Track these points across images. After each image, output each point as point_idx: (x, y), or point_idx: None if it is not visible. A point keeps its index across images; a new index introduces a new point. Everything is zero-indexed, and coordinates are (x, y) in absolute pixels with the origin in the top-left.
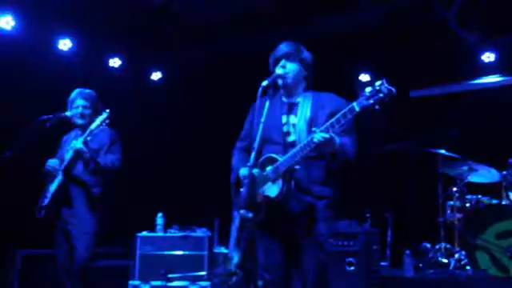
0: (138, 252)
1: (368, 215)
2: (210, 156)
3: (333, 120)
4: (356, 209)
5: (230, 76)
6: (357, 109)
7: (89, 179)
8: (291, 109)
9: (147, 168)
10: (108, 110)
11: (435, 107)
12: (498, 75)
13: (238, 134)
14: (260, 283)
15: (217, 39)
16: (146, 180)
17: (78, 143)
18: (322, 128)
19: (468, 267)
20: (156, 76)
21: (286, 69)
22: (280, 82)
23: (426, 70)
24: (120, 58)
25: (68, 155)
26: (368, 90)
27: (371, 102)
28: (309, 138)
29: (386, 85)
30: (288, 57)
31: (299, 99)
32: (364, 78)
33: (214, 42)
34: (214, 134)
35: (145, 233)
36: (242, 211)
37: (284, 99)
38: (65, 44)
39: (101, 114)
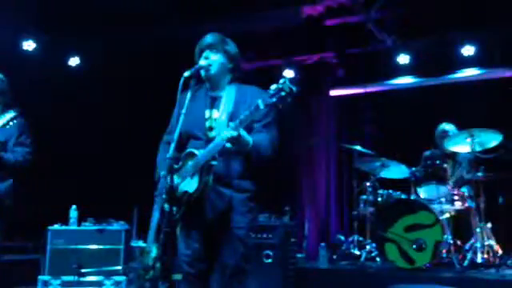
0: (48, 246)
1: (287, 208)
2: (129, 146)
3: (241, 117)
4: (275, 202)
5: (155, 66)
6: (261, 106)
7: None
8: (214, 103)
9: (62, 159)
10: (18, 109)
11: (353, 106)
12: (411, 76)
13: (157, 124)
14: (178, 276)
15: (144, 26)
16: (61, 171)
17: None
18: (232, 125)
19: (378, 259)
20: (74, 62)
21: (209, 60)
22: (203, 73)
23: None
24: (34, 41)
25: None
26: (272, 87)
27: (274, 100)
28: (218, 138)
29: (287, 83)
30: (211, 48)
31: (223, 93)
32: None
33: (141, 28)
34: (134, 124)
35: (56, 226)
36: (164, 205)
37: (208, 92)
38: None
39: (9, 107)
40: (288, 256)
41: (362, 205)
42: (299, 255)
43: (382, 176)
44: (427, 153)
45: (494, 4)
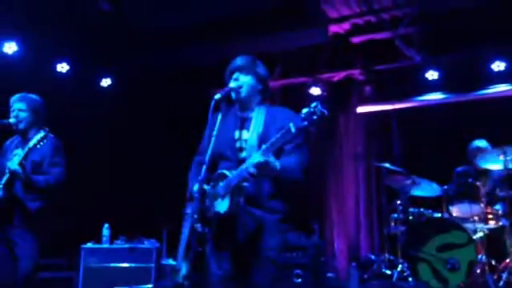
0: (81, 264)
1: (316, 227)
2: (160, 167)
3: (272, 140)
4: (305, 221)
5: (187, 86)
6: (293, 130)
7: (26, 196)
8: (244, 124)
9: (95, 178)
10: (47, 129)
11: (382, 123)
12: (440, 92)
13: (190, 146)
14: None
15: (172, 47)
16: (95, 190)
17: (13, 164)
18: (260, 152)
19: (410, 279)
20: (106, 82)
21: (239, 82)
22: (233, 95)
23: (373, 86)
24: (68, 63)
25: (7, 170)
26: (304, 111)
27: (306, 123)
28: (248, 162)
29: (319, 107)
30: (241, 70)
31: (253, 114)
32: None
33: (171, 49)
34: (165, 145)
35: (89, 244)
36: (196, 225)
37: (238, 113)
38: (10, 47)
39: (41, 128)
40: (318, 276)
41: (392, 223)
42: (329, 274)
43: (413, 194)
44: (459, 170)
45: None
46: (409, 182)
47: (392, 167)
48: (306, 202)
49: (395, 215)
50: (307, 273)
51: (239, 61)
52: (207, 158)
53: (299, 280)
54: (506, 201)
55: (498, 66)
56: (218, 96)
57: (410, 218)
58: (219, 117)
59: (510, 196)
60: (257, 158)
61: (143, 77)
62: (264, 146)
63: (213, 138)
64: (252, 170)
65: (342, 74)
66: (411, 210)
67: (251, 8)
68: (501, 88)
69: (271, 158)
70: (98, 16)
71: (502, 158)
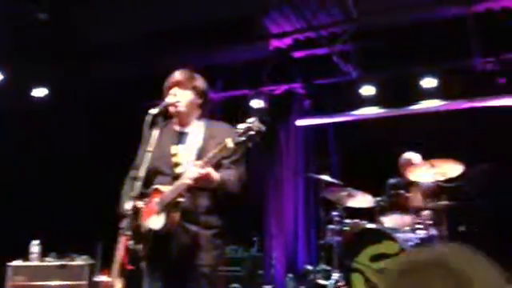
0: (8, 283)
1: (255, 239)
2: (94, 181)
3: (209, 155)
4: (243, 234)
5: (124, 98)
6: (230, 145)
7: None
8: (181, 138)
9: (24, 192)
10: None
11: (320, 136)
12: (376, 107)
13: (125, 160)
14: None
15: (110, 59)
16: (22, 205)
17: None
18: (198, 164)
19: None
20: (41, 92)
21: (178, 97)
22: (172, 110)
23: (313, 100)
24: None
25: None
26: (240, 126)
27: (243, 138)
28: (184, 176)
29: (256, 123)
30: (180, 84)
31: (190, 128)
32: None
33: (109, 60)
34: (100, 158)
35: (17, 262)
36: (129, 242)
37: (175, 128)
38: None
39: None
40: None
41: (329, 234)
42: (266, 287)
43: (349, 205)
44: (391, 182)
45: (450, 41)
46: (345, 193)
47: (329, 179)
48: (246, 215)
49: (331, 226)
50: (244, 285)
51: (177, 75)
52: (141, 174)
53: None
54: (434, 211)
55: (429, 82)
56: (154, 110)
57: (345, 228)
58: (155, 132)
59: (437, 207)
60: (195, 170)
61: (79, 88)
62: (201, 161)
63: (148, 154)
64: (190, 182)
65: (282, 88)
66: (347, 221)
67: (193, 21)
68: (431, 103)
69: (209, 170)
70: (35, 25)
71: (431, 170)
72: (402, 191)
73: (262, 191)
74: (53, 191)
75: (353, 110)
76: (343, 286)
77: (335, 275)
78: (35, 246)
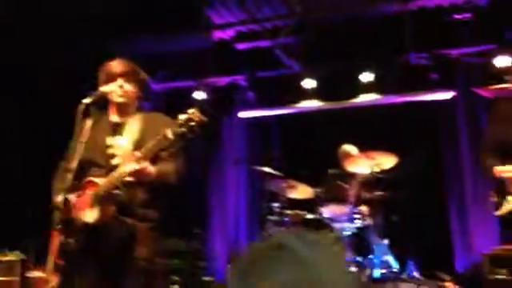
0: None
1: (196, 231)
2: (25, 172)
3: (147, 146)
4: (185, 226)
5: (55, 85)
6: (169, 136)
7: None
8: (117, 130)
9: None
10: None
11: (263, 128)
12: (317, 100)
13: (57, 151)
14: None
15: (52, 41)
16: None
17: None
18: (135, 157)
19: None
20: None
21: (123, 89)
22: (112, 100)
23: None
24: None
25: None
26: (181, 117)
27: (183, 129)
28: (121, 169)
29: (197, 113)
30: (124, 75)
31: (128, 120)
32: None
33: (42, 45)
34: (30, 148)
35: None
36: (61, 236)
37: (112, 119)
38: None
39: None
40: (195, 280)
41: (270, 225)
42: (207, 278)
43: (290, 196)
44: (330, 173)
45: (387, 36)
46: (286, 185)
47: (271, 171)
48: (188, 208)
49: (273, 217)
50: (184, 278)
51: (122, 66)
52: (74, 165)
53: (175, 286)
54: (370, 202)
55: (366, 76)
56: (87, 99)
57: (287, 219)
58: (89, 122)
59: (374, 197)
60: (131, 165)
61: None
62: (139, 153)
63: (81, 144)
64: (126, 177)
65: (226, 80)
66: (288, 212)
67: (136, 8)
68: (368, 97)
69: (146, 165)
70: None
71: (368, 161)
72: (340, 182)
73: (205, 183)
74: None
75: (295, 102)
76: None
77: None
78: None
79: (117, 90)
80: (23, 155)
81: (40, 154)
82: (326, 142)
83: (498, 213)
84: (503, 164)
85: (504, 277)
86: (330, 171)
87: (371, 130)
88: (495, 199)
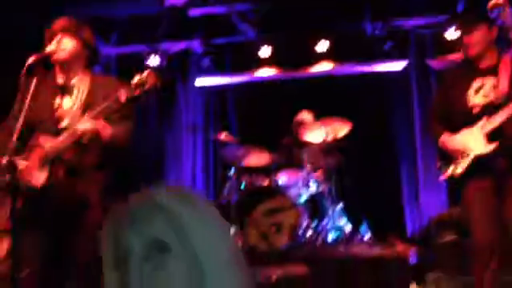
0: None
1: None
2: None
3: (98, 108)
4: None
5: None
6: (122, 99)
7: None
8: (65, 91)
9: None
10: None
11: (219, 95)
12: (273, 68)
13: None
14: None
15: None
16: None
17: None
18: (94, 113)
19: (239, 243)
20: None
21: (62, 45)
22: (53, 58)
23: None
24: None
25: None
26: (135, 80)
27: (136, 93)
28: (73, 129)
29: (151, 76)
30: (64, 31)
31: (75, 81)
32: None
33: None
34: None
35: None
36: (8, 200)
37: (59, 80)
38: None
39: None
40: None
41: (226, 192)
42: None
43: (246, 164)
44: (286, 141)
45: (343, 4)
46: (242, 152)
47: (227, 139)
48: (144, 174)
49: (229, 184)
50: None
51: (62, 22)
52: (18, 127)
53: None
54: (324, 168)
55: (322, 45)
56: (31, 59)
57: (242, 186)
58: (34, 82)
59: (327, 164)
60: (84, 124)
61: None
62: (90, 114)
63: (25, 105)
64: (80, 135)
65: (180, 45)
66: (243, 178)
67: None
68: (324, 66)
69: (99, 124)
70: None
71: (322, 129)
72: (295, 150)
73: (160, 151)
74: None
75: (251, 70)
76: (239, 239)
77: (232, 230)
78: None
79: (54, 46)
80: None
81: None
82: (282, 109)
83: (443, 177)
84: (450, 131)
85: (451, 238)
86: (286, 139)
87: (326, 99)
88: (441, 165)
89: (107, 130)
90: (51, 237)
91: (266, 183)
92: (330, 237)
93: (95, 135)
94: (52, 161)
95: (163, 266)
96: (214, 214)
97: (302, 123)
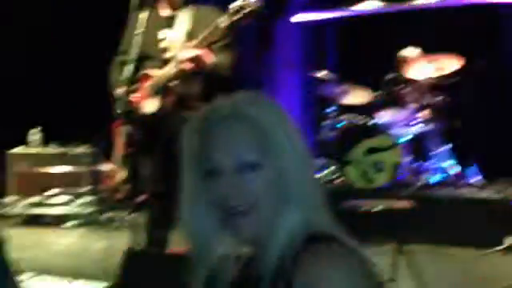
0: (9, 169)
1: None
2: (87, 67)
3: (200, 38)
4: None
5: None
6: (221, 26)
7: None
8: (170, 22)
9: (25, 79)
10: None
11: (317, 31)
12: (375, 2)
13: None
14: (144, 197)
15: None
16: (24, 92)
17: None
18: (196, 41)
19: (337, 181)
20: None
21: None
22: None
23: None
24: None
25: None
26: (234, 5)
27: (235, 18)
28: (177, 57)
29: (249, 1)
30: None
31: (179, 12)
32: None
33: None
34: (92, 42)
35: (18, 149)
36: (124, 127)
37: (164, 13)
38: None
39: None
40: None
41: (324, 130)
42: None
43: (345, 102)
44: (389, 77)
45: None
46: (341, 90)
47: (326, 76)
48: None
49: (327, 122)
50: None
51: None
52: (131, 58)
53: None
54: (431, 107)
55: None
56: None
57: (342, 124)
58: (142, 15)
59: (434, 103)
60: (188, 52)
61: None
62: (193, 44)
63: (137, 37)
64: (185, 63)
65: None
66: (343, 116)
67: None
68: None
69: (204, 51)
70: None
71: (429, 65)
72: (398, 87)
73: (257, 88)
74: (55, 80)
75: (352, 4)
76: (336, 178)
77: (328, 169)
78: (35, 134)
79: None
80: (88, 50)
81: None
82: (385, 45)
83: None
84: None
85: None
86: (389, 75)
87: (433, 33)
88: None
89: (210, 58)
90: (165, 162)
91: (366, 121)
92: (434, 178)
93: (199, 63)
94: (161, 90)
95: (255, 179)
96: (289, 119)
97: (406, 59)
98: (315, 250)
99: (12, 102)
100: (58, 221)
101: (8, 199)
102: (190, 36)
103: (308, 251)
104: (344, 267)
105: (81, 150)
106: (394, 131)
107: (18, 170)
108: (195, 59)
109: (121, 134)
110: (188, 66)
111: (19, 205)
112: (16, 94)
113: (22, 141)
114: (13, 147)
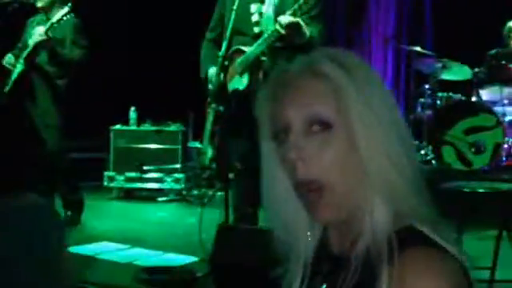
0: (111, 145)
1: None
2: (183, 48)
3: (290, 12)
4: None
5: None
6: None
7: (52, 70)
8: None
9: (120, 62)
10: (70, 4)
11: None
12: None
13: (207, 23)
14: (231, 176)
15: None
16: (119, 74)
17: (38, 33)
18: (290, 12)
19: (433, 162)
20: None
21: None
22: None
23: None
24: None
25: (30, 44)
26: None
27: None
28: (275, 26)
29: None
30: None
31: None
32: None
33: None
34: (184, 23)
35: (118, 126)
36: (213, 105)
37: None
38: None
39: (64, 4)
40: None
41: (419, 108)
42: None
43: (443, 78)
44: (492, 52)
45: None
46: (439, 65)
47: (422, 50)
48: None
49: (423, 99)
50: None
51: None
52: (228, 33)
53: None
54: None
55: None
56: None
57: (438, 102)
58: None
59: None
60: (287, 18)
61: None
62: (290, 10)
63: (233, 13)
64: (282, 30)
65: None
66: (440, 94)
67: None
68: None
69: (299, 19)
70: None
71: None
72: (503, 62)
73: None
74: (147, 62)
75: None
76: (432, 159)
77: (424, 149)
78: (133, 112)
79: None
80: (179, 31)
81: (192, 27)
82: (487, 17)
83: None
84: None
85: None
86: (493, 50)
87: None
88: None
89: (306, 29)
90: (251, 136)
91: (466, 99)
92: None
93: (296, 28)
94: (251, 65)
95: (326, 143)
96: (378, 81)
97: None
98: (411, 257)
99: (112, 84)
100: (152, 195)
101: (108, 173)
102: (279, 9)
103: (403, 257)
104: (444, 279)
105: (173, 127)
106: (498, 109)
107: (117, 145)
108: (295, 26)
109: (211, 112)
110: (287, 31)
111: (118, 179)
112: (118, 77)
113: (122, 119)
114: (113, 124)
